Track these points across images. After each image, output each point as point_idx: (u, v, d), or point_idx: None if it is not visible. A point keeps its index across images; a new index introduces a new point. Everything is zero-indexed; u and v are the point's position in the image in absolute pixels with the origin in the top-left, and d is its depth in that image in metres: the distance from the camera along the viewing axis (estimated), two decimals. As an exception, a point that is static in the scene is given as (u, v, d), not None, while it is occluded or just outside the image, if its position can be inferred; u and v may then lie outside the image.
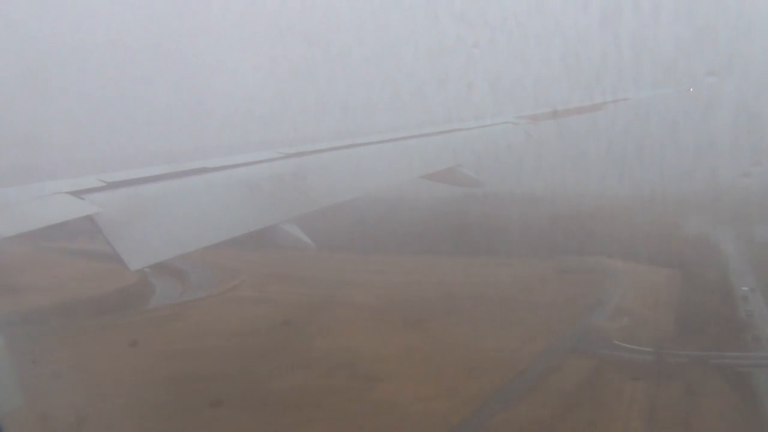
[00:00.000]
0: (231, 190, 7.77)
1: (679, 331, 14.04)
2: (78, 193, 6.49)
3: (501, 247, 17.85)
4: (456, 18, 13.06)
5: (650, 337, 13.74)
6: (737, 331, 14.21)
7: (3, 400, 5.28)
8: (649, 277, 17.77)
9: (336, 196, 8.51)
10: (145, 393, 10.83)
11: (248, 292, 18.26)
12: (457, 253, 18.67)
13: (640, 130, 14.18)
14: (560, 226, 17.60)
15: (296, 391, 11.17)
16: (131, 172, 7.35)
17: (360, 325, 14.21)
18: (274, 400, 10.93)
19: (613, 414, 10.84)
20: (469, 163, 10.35)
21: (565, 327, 14.27)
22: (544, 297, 15.28)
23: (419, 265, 18.91)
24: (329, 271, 18.76)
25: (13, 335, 13.11)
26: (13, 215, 6.00)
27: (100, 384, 11.18)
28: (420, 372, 11.95)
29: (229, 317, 15.89)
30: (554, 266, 18.15)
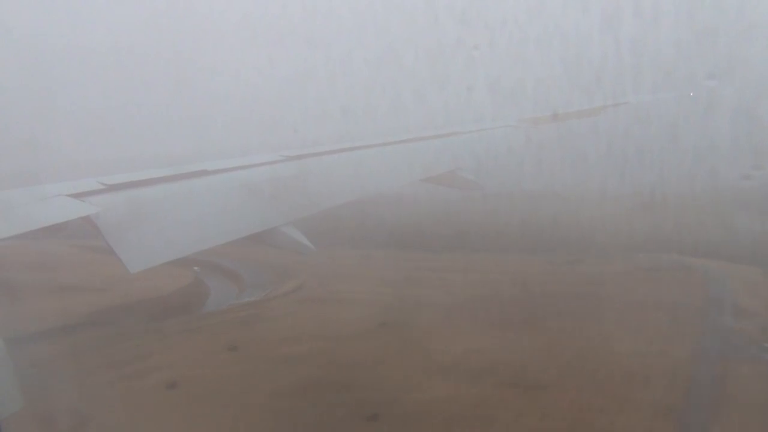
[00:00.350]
0: (231, 192, 7.78)
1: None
2: (78, 196, 6.51)
3: (558, 246, 16.77)
4: (456, 21, 13.08)
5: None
6: None
7: (4, 403, 5.27)
8: (742, 274, 16.04)
9: (337, 199, 8.53)
10: (285, 405, 9.79)
11: (317, 292, 17.06)
12: (518, 252, 17.53)
13: (641, 133, 14.18)
14: (602, 225, 16.81)
15: (455, 402, 9.81)
16: (132, 175, 7.37)
17: (466, 327, 13.02)
18: (437, 412, 9.56)
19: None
20: (469, 166, 10.38)
21: (695, 329, 12.79)
22: (648, 296, 13.96)
23: (484, 264, 17.53)
24: (388, 270, 17.72)
25: (94, 338, 12.81)
26: (14, 217, 6.01)
27: (226, 394, 10.17)
28: (574, 379, 10.57)
29: (315, 319, 14.79)
30: (635, 264, 16.71)
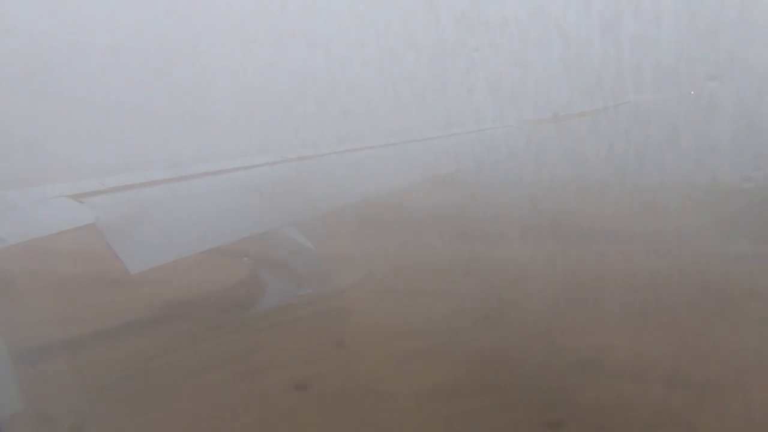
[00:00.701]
0: (231, 194, 7.83)
1: None
2: (79, 197, 6.55)
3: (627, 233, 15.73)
4: (457, 21, 13.09)
5: None
6: None
7: (3, 404, 5.31)
8: None
9: (337, 200, 8.60)
10: (445, 409, 8.72)
11: (392, 284, 14.82)
12: (595, 240, 16.14)
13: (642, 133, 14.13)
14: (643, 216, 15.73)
15: (645, 406, 8.55)
16: (132, 176, 7.43)
17: (585, 319, 11.60)
18: (633, 419, 8.35)
19: None
20: (470, 166, 10.40)
21: None
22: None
23: (572, 253, 15.95)
24: (455, 260, 15.84)
25: (182, 333, 11.56)
26: (11, 221, 6.05)
27: (368, 397, 9.00)
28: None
29: (409, 311, 13.14)
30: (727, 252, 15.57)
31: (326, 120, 13.39)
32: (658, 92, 14.07)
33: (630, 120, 13.55)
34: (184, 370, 9.62)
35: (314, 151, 9.39)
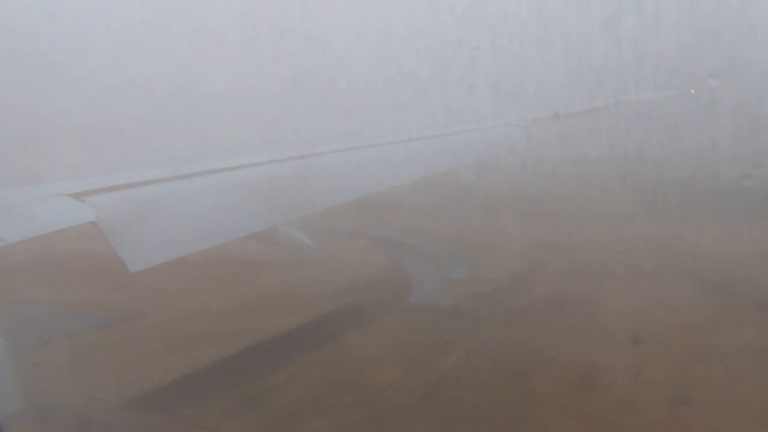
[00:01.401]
0: (231, 192, 7.81)
1: None
2: (79, 196, 6.52)
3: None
4: (457, 20, 13.09)
5: None
6: None
7: (5, 402, 5.29)
8: None
9: (336, 198, 8.58)
10: None
11: (576, 266, 12.74)
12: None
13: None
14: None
15: None
16: (132, 175, 7.40)
17: None
18: None
19: None
20: (469, 165, 10.40)
21: None
22: None
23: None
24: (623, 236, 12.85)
25: (397, 324, 10.12)
26: (10, 221, 6.02)
27: None
28: None
29: (630, 300, 10.29)
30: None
31: (327, 118, 13.39)
32: (658, 91, 14.06)
33: (630, 118, 13.54)
34: (488, 373, 7.97)
35: (314, 150, 9.37)
